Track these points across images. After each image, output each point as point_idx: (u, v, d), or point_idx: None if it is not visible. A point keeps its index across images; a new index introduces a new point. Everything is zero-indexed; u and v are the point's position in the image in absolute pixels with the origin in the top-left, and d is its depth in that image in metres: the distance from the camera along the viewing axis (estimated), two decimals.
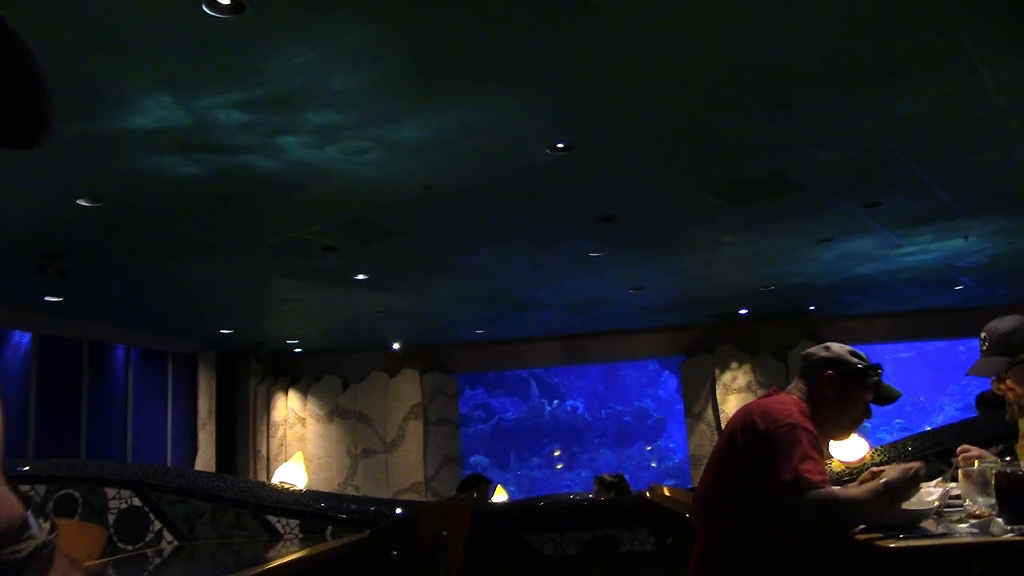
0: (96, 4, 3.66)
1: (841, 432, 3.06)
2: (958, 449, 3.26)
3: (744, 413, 2.91)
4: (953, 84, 4.85)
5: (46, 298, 9.26)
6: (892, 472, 2.65)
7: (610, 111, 5.09)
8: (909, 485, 2.63)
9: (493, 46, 4.22)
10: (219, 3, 3.67)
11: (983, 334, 3.27)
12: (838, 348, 3.05)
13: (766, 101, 5.02)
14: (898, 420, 25.03)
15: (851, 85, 4.86)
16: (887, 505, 2.56)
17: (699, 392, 13.48)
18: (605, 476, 7.19)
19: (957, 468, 2.85)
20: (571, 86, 4.71)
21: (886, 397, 3.01)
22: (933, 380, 25.97)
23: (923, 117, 5.33)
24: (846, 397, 2.94)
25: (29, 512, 0.61)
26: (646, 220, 7.50)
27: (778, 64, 4.54)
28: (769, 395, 2.99)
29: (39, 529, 0.60)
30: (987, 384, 3.62)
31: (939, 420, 23.38)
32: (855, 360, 2.99)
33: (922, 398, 26.60)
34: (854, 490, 2.65)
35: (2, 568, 0.56)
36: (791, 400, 2.88)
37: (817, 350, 3.06)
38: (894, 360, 26.28)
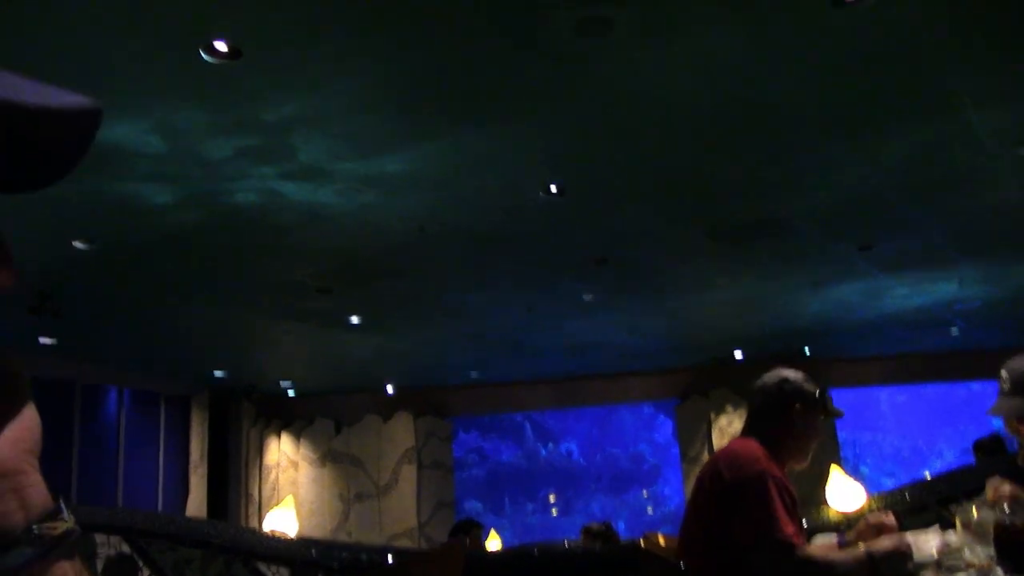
0: (95, 48, 3.69)
1: (804, 459, 3.00)
2: (990, 482, 3.16)
3: (711, 462, 2.88)
4: (944, 127, 4.91)
5: (40, 339, 9.21)
6: (882, 543, 2.58)
7: (603, 153, 5.12)
8: (896, 566, 2.54)
9: (484, 89, 4.26)
10: (217, 49, 3.71)
11: (1003, 373, 3.16)
12: (795, 376, 2.97)
13: (757, 144, 5.06)
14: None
15: (842, 128, 4.91)
16: None
17: (694, 436, 13.39)
18: (592, 525, 7.07)
19: (955, 516, 2.81)
20: (563, 128, 4.75)
21: (834, 415, 3.05)
22: (930, 424, 25.86)
23: (914, 160, 5.37)
24: (811, 426, 2.91)
25: (60, 500, 0.68)
26: (639, 262, 7.52)
27: (768, 107, 4.59)
28: (735, 440, 2.96)
29: (68, 516, 0.67)
30: (985, 430, 3.58)
31: (938, 465, 23.23)
32: (812, 386, 2.96)
33: (920, 443, 26.47)
34: (835, 555, 2.60)
35: (40, 541, 0.63)
36: (755, 445, 2.82)
37: (775, 383, 2.96)
38: (891, 404, 26.21)
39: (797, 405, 2.89)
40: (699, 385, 13.46)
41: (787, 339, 11.38)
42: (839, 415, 3.09)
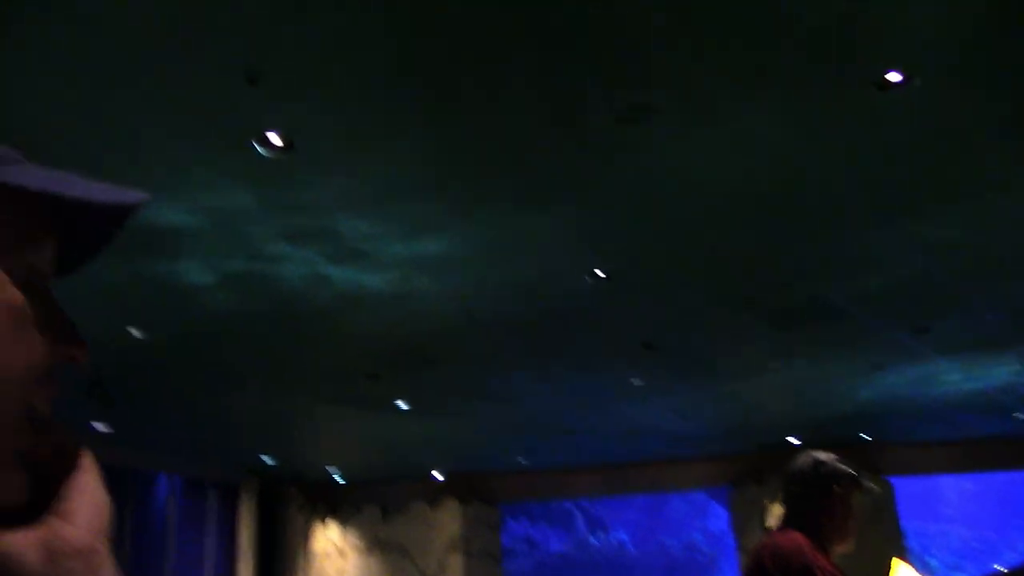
0: (152, 143, 3.84)
1: (850, 541, 2.90)
2: None
3: (755, 558, 2.78)
4: (993, 208, 4.82)
5: (93, 425, 9.35)
6: None
7: (648, 237, 5.13)
8: None
9: (530, 176, 4.32)
10: (270, 142, 3.83)
11: None
12: (828, 457, 2.91)
13: (804, 227, 5.02)
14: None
15: (890, 210, 4.85)
16: None
17: (750, 525, 12.93)
18: None
19: None
20: (609, 213, 4.77)
21: (873, 492, 2.97)
22: (1002, 514, 24.69)
23: (966, 241, 5.28)
24: (851, 508, 2.84)
25: None
26: (688, 346, 7.43)
27: (814, 190, 4.57)
28: (776, 533, 2.87)
29: None
30: None
31: (1010, 558, 22.06)
32: (846, 466, 2.89)
33: (990, 534, 25.23)
34: None
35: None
36: (798, 537, 2.74)
37: (810, 467, 2.89)
38: (958, 492, 25.14)
39: (836, 487, 2.83)
40: (753, 472, 13.09)
41: (844, 424, 11.07)
42: (878, 492, 2.99)
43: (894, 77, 3.57)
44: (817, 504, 2.84)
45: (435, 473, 13.87)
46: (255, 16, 3.05)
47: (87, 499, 0.65)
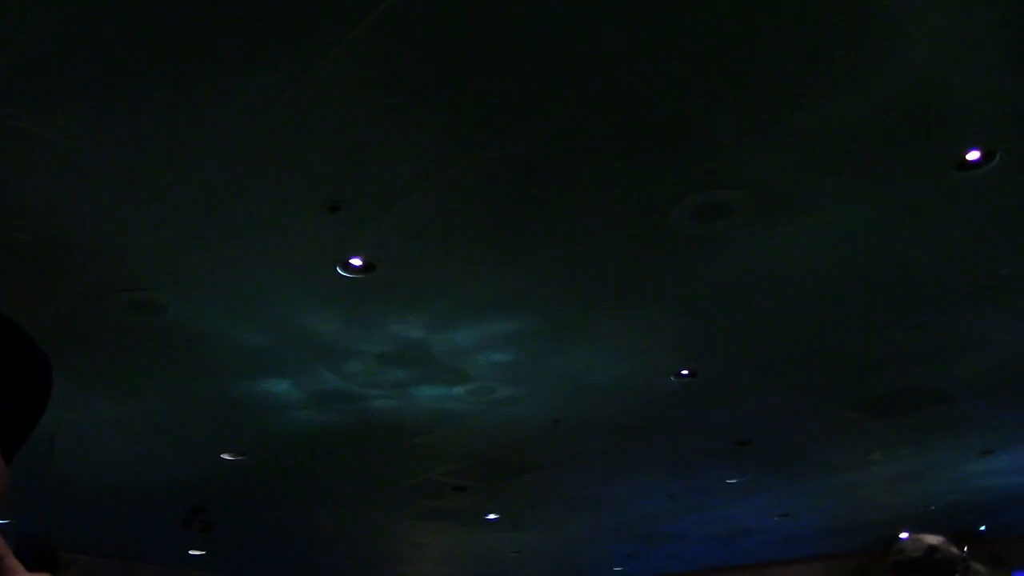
0: (242, 269, 3.99)
1: None
2: None
3: None
4: None
5: (190, 552, 9.45)
6: None
7: (734, 334, 5.03)
8: None
9: (612, 280, 4.32)
10: (352, 265, 3.94)
11: None
12: (938, 540, 2.69)
13: (898, 312, 4.86)
14: None
15: (988, 290, 4.67)
16: None
17: None
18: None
19: None
20: (692, 313, 4.72)
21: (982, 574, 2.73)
22: None
23: None
24: None
25: None
26: (784, 441, 7.16)
27: (906, 275, 4.44)
28: None
29: None
30: None
31: None
32: (958, 551, 2.67)
33: None
34: None
35: None
36: None
37: (923, 554, 2.66)
38: None
39: (956, 574, 2.62)
40: (868, 570, 12.36)
41: (958, 515, 10.41)
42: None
43: (973, 155, 3.50)
44: None
45: None
46: (336, 151, 3.19)
47: None
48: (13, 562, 0.59)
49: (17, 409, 0.71)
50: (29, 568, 0.59)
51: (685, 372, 5.42)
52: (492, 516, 8.82)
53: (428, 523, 8.94)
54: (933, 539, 2.74)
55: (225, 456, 6.36)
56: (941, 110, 3.22)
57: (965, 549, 2.71)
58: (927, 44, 2.88)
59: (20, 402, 0.71)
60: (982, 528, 11.36)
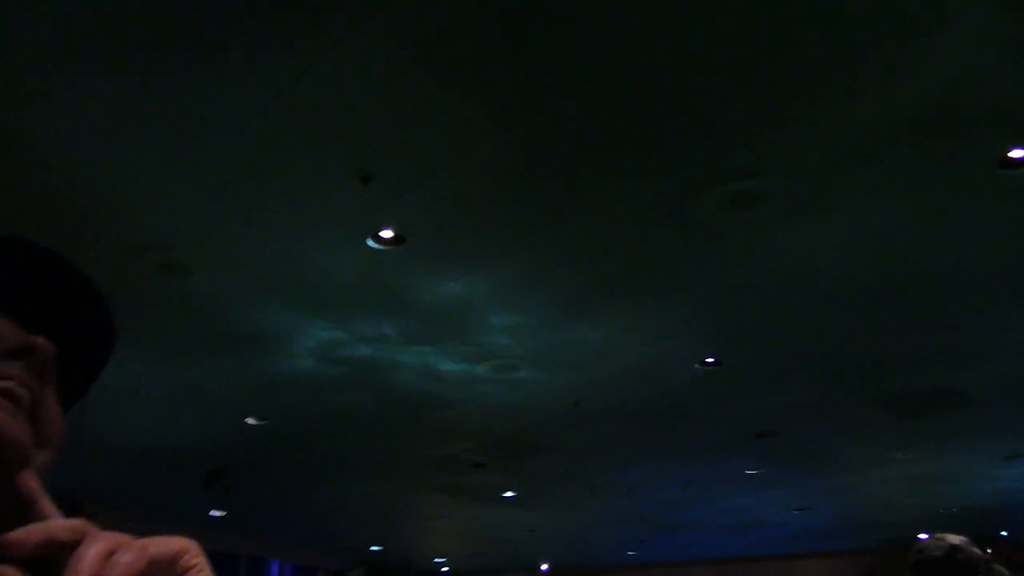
0: (277, 238, 4.02)
1: None
2: None
3: None
4: None
5: (211, 512, 9.60)
6: None
7: (759, 325, 5.00)
8: None
9: (640, 267, 4.30)
10: (382, 236, 3.96)
11: None
12: (961, 541, 2.64)
13: (927, 312, 4.80)
14: None
15: (1017, 293, 4.60)
16: None
17: None
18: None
19: None
20: (719, 302, 4.69)
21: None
22: None
23: None
24: None
25: None
26: (805, 436, 7.12)
27: (938, 274, 4.38)
28: None
29: None
30: None
31: None
32: (980, 552, 2.63)
33: None
34: None
35: None
36: None
37: (946, 554, 2.60)
38: None
39: (980, 573, 2.59)
40: (881, 569, 12.29)
41: (978, 519, 10.31)
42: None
43: (1018, 153, 3.44)
44: None
45: (542, 566, 13.58)
46: (371, 122, 3.20)
47: None
48: (46, 505, 0.60)
49: (84, 359, 0.73)
50: None
51: (710, 360, 5.40)
52: (509, 494, 8.87)
53: (446, 497, 9.01)
54: (956, 539, 2.69)
55: (249, 420, 6.44)
56: (985, 106, 3.16)
57: (988, 551, 2.68)
58: (973, 39, 2.82)
59: (88, 352, 0.74)
60: (1003, 533, 11.25)
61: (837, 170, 3.53)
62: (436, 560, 13.48)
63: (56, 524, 0.54)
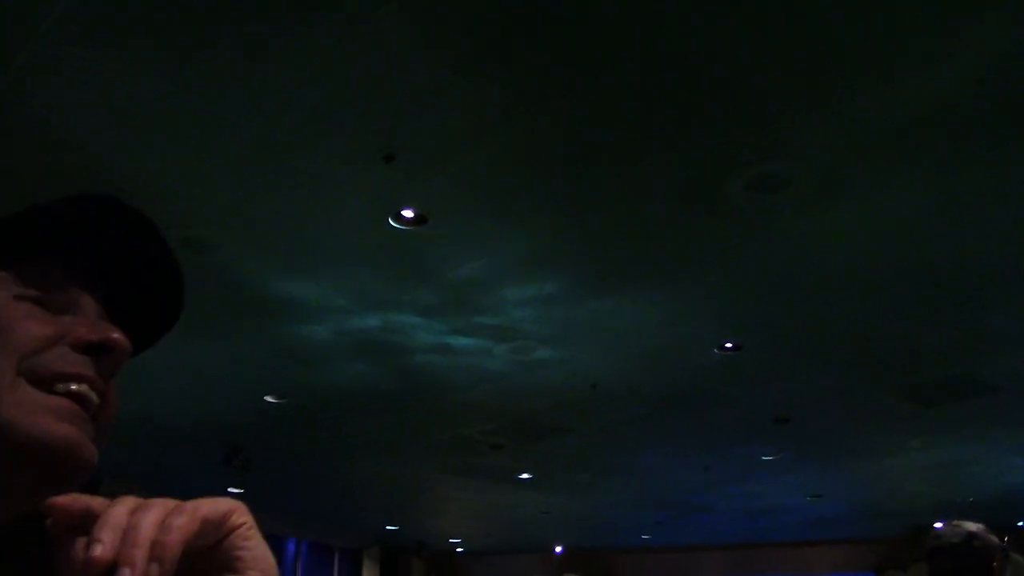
0: (298, 216, 4.03)
1: None
2: None
3: None
4: None
5: (229, 490, 9.69)
6: None
7: (780, 312, 4.97)
8: None
9: (661, 250, 4.28)
10: (404, 216, 3.96)
11: None
12: (978, 528, 2.61)
13: (948, 302, 4.76)
14: None
15: None
16: None
17: None
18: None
19: None
20: (739, 287, 4.67)
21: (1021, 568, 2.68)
22: None
23: None
24: None
25: None
26: (824, 423, 7.09)
27: (958, 264, 4.34)
28: None
29: None
30: None
31: None
32: (998, 539, 2.61)
33: None
34: None
35: None
36: None
37: (963, 541, 2.57)
38: None
39: (995, 563, 2.57)
40: (897, 558, 12.26)
41: (996, 508, 10.26)
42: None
43: None
44: None
45: (557, 548, 13.65)
46: (395, 101, 3.19)
47: None
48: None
49: (147, 336, 0.74)
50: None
51: (729, 345, 5.38)
52: (525, 476, 8.91)
53: (461, 478, 9.06)
54: (973, 526, 2.68)
55: (268, 398, 6.49)
56: (1019, 96, 3.11)
57: (1005, 539, 2.67)
58: (1012, 28, 2.78)
59: (152, 331, 0.75)
60: (1020, 524, 11.20)
61: (865, 156, 3.50)
62: (451, 540, 13.58)
63: (97, 499, 0.55)
